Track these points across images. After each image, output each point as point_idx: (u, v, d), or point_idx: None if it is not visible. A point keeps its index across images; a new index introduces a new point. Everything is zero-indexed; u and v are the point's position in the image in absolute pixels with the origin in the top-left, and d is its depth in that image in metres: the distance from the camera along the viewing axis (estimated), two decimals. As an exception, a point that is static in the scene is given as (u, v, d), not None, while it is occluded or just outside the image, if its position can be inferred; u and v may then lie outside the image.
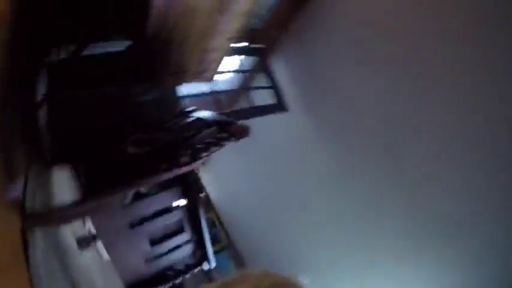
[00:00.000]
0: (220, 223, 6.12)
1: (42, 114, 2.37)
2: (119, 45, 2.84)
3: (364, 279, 4.06)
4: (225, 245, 6.12)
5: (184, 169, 1.55)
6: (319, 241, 4.58)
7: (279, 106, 4.12)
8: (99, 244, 2.54)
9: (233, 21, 2.29)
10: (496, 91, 2.76)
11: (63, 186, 2.81)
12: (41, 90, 2.45)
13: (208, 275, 5.28)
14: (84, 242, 2.27)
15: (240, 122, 1.75)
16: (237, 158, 5.16)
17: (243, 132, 1.74)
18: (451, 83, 3.10)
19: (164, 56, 2.22)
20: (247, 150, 4.84)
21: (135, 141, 1.74)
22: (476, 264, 3.09)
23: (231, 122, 1.82)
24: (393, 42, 3.52)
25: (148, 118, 2.59)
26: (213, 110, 2.73)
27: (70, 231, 2.28)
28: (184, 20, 2.05)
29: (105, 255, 2.78)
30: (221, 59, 2.55)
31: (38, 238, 1.50)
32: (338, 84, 4.02)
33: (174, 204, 1.83)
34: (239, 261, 6.09)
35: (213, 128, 1.79)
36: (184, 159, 1.54)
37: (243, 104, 4.51)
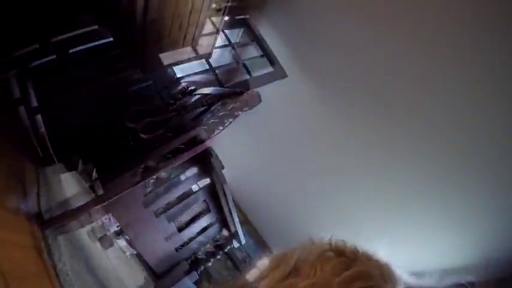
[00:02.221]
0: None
1: (39, 117, 2.30)
2: (103, 37, 2.75)
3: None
4: (241, 221, 6.11)
5: (203, 146, 1.47)
6: (330, 205, 4.55)
7: (277, 73, 4.02)
8: (121, 241, 2.49)
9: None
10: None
11: (76, 191, 2.76)
12: (31, 91, 2.38)
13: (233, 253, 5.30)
14: (107, 241, 2.22)
15: (251, 90, 1.67)
16: (241, 131, 5.09)
17: (254, 99, 1.67)
18: (449, 32, 3.02)
19: (155, 36, 2.12)
20: (250, 123, 4.78)
21: (145, 127, 1.66)
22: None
23: (240, 91, 1.74)
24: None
25: (150, 103, 2.52)
26: (210, 84, 2.65)
27: (91, 233, 2.23)
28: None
29: (129, 251, 2.74)
30: (215, 32, 2.44)
31: (62, 244, 1.44)
32: (329, 38, 3.93)
33: (197, 185, 1.76)
34: (257, 237, 6.10)
35: (224, 100, 1.72)
36: (201, 136, 1.46)
37: (240, 78, 4.42)
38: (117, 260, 2.53)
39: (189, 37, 2.33)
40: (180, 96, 2.30)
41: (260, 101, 1.63)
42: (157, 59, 2.31)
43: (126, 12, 2.00)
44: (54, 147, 2.22)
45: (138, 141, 1.73)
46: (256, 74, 3.92)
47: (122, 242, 2.62)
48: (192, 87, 2.29)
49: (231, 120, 1.57)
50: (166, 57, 2.37)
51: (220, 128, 1.53)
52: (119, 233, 2.38)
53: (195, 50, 2.49)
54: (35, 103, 2.31)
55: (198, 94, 2.12)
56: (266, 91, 3.84)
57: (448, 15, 2.96)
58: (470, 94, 2.98)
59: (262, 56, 4.11)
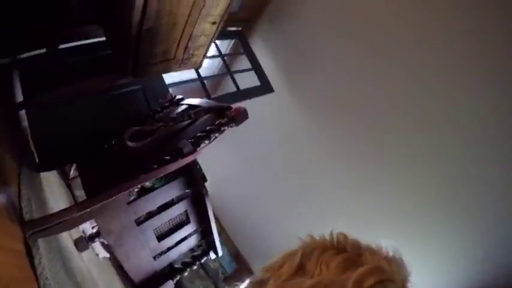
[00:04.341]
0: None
1: (24, 118, 2.30)
2: (98, 36, 2.76)
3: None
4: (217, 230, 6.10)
5: (188, 159, 1.50)
6: (308, 219, 4.60)
7: (264, 88, 4.09)
8: (96, 244, 2.49)
9: (217, 3, 2.23)
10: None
11: (55, 190, 2.74)
12: (19, 91, 2.37)
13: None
14: (83, 243, 2.22)
15: (238, 106, 1.71)
16: (222, 141, 5.11)
17: (242, 116, 1.70)
18: (433, 56, 3.12)
19: (149, 44, 2.15)
20: (234, 135, 4.81)
21: (133, 135, 1.68)
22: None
23: (227, 106, 1.78)
24: (373, 16, 3.52)
25: (137, 110, 2.54)
26: (199, 97, 2.68)
27: (68, 235, 2.22)
28: (169, 5, 1.98)
29: (102, 254, 2.74)
30: (207, 44, 2.49)
31: (41, 247, 1.44)
32: (318, 59, 4.02)
33: (179, 195, 1.79)
34: (231, 246, 6.10)
35: (211, 115, 1.75)
36: (187, 149, 1.49)
37: (227, 89, 4.46)
38: (90, 262, 2.52)
39: (181, 47, 2.37)
40: (167, 104, 2.32)
41: (247, 117, 1.67)
42: (148, 65, 2.34)
43: (123, 18, 2.03)
44: (38, 151, 2.23)
45: (124, 148, 1.74)
46: (243, 86, 3.98)
47: (96, 245, 2.62)
48: (180, 97, 2.32)
49: (217, 135, 1.60)
50: (157, 65, 2.40)
51: (207, 142, 1.56)
52: (94, 236, 2.38)
53: (186, 59, 2.53)
54: (20, 98, 2.31)
55: (185, 104, 2.15)
56: (250, 103, 3.90)
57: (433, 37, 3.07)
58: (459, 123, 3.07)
59: (250, 69, 4.17)
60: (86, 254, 2.40)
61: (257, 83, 4.20)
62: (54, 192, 2.68)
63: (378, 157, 3.66)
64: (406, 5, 3.24)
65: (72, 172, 3.48)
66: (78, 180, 3.21)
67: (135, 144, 1.66)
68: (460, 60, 2.95)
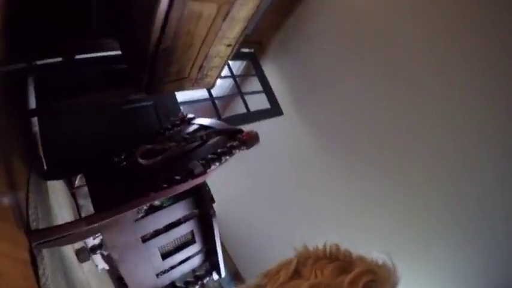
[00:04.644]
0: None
1: (36, 124, 2.32)
2: (114, 49, 2.81)
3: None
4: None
5: (198, 180, 1.51)
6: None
7: (274, 110, 4.12)
8: (96, 256, 2.49)
9: (234, 26, 2.27)
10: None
11: (60, 197, 2.75)
12: (32, 97, 2.39)
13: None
14: (83, 254, 2.22)
15: (250, 130, 1.73)
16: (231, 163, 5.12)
17: (253, 140, 1.72)
18: (442, 88, 3.17)
19: (165, 62, 2.18)
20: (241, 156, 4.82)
21: (145, 153, 1.70)
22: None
23: (239, 129, 1.80)
24: (383, 46, 3.57)
25: (148, 126, 2.56)
26: (210, 117, 2.70)
27: (71, 246, 2.23)
28: (187, 26, 2.01)
29: (100, 265, 2.74)
30: (222, 65, 2.52)
31: (46, 256, 1.45)
32: (329, 86, 4.06)
33: (186, 215, 1.80)
34: (232, 267, 6.06)
35: (222, 137, 1.77)
36: (197, 170, 1.51)
37: (237, 109, 4.50)
38: (89, 273, 2.52)
39: (196, 67, 2.40)
40: (178, 122, 2.35)
41: (258, 142, 1.69)
42: (162, 83, 2.37)
43: (141, 35, 2.07)
44: (47, 159, 2.24)
45: (134, 164, 1.76)
46: (252, 106, 4.02)
47: (96, 256, 2.62)
48: (191, 116, 2.35)
49: (228, 157, 1.62)
50: (171, 83, 2.43)
51: (217, 164, 1.57)
52: (96, 248, 2.38)
53: (199, 79, 2.56)
54: (33, 105, 2.33)
55: (196, 124, 2.17)
56: (259, 123, 3.93)
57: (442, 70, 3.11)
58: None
59: (261, 91, 4.21)
60: (85, 265, 2.40)
61: (267, 105, 4.24)
62: (59, 199, 2.69)
63: (379, 178, 3.67)
64: (418, 30, 3.29)
65: (78, 181, 3.50)
66: (83, 190, 3.24)
67: (146, 162, 1.67)
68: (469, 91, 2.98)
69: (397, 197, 3.60)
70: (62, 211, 2.60)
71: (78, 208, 3.45)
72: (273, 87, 4.40)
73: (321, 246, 0.76)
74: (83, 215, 3.23)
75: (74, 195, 3.58)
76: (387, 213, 3.70)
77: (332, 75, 3.99)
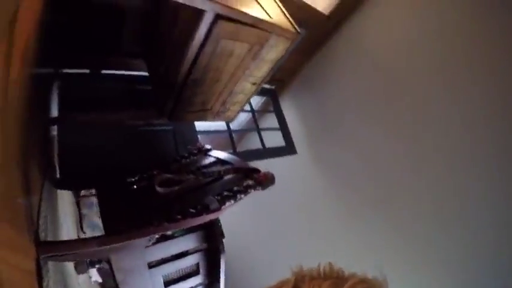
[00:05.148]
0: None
1: (55, 133, 2.36)
2: (139, 69, 2.88)
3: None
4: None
5: (212, 216, 1.54)
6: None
7: (289, 149, 4.16)
8: (93, 269, 2.49)
9: (262, 66, 2.34)
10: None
11: (66, 205, 2.77)
12: (55, 104, 2.43)
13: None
14: (82, 267, 2.23)
15: (267, 171, 1.77)
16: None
17: (269, 181, 1.75)
18: (456, 137, 3.20)
19: (191, 92, 2.25)
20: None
21: (163, 181, 1.74)
22: None
23: (255, 169, 1.83)
24: (402, 92, 3.63)
25: (165, 151, 2.60)
26: (224, 148, 2.75)
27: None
28: (217, 62, 2.09)
29: (94, 277, 2.73)
30: (244, 101, 2.59)
31: (50, 269, 1.47)
32: (344, 129, 4.10)
33: (195, 247, 1.82)
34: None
35: (239, 175, 1.80)
36: (213, 206, 1.54)
37: (251, 142, 4.55)
38: (84, 284, 2.51)
39: (220, 100, 2.47)
40: (195, 151, 2.39)
41: (273, 184, 1.72)
42: (186, 111, 2.43)
43: (172, 63, 2.14)
44: (61, 170, 2.26)
45: (149, 190, 1.80)
46: (267, 141, 4.07)
47: (92, 270, 2.62)
48: (208, 147, 2.39)
49: (243, 196, 1.65)
50: (194, 113, 2.49)
51: (232, 202, 1.61)
52: (95, 262, 2.39)
53: (221, 112, 2.62)
54: (55, 112, 2.37)
55: (213, 157, 2.21)
56: (272, 161, 3.97)
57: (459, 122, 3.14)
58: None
59: (278, 129, 4.26)
60: (83, 277, 2.39)
61: (281, 141, 4.29)
62: (65, 207, 2.71)
63: (384, 222, 3.66)
64: (435, 77, 3.35)
65: (83, 191, 3.52)
66: (87, 199, 3.25)
67: (163, 190, 1.71)
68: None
69: (397, 242, 3.59)
70: (67, 218, 2.62)
71: (80, 218, 3.46)
72: (289, 124, 4.46)
73: (315, 266, 0.79)
74: (84, 225, 3.24)
75: (78, 204, 3.60)
76: (386, 259, 3.67)
77: (346, 117, 4.05)
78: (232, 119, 2.77)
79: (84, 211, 3.55)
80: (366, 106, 3.88)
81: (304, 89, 4.58)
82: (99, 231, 2.80)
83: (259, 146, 4.03)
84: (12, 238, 1.23)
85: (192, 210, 1.54)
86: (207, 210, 1.53)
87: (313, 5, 3.70)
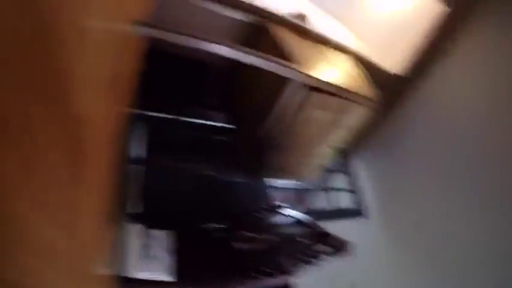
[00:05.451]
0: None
1: (138, 172, 2.49)
2: (216, 121, 3.01)
3: None
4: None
5: (286, 279, 1.57)
6: None
7: (358, 212, 4.10)
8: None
9: (341, 132, 2.40)
10: None
11: (134, 251, 2.87)
12: (141, 145, 2.59)
13: None
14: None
15: (345, 240, 1.78)
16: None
17: (343, 250, 1.76)
18: None
19: (272, 153, 2.34)
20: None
21: (241, 237, 1.79)
22: None
23: (328, 233, 1.84)
24: (480, 161, 3.46)
25: (237, 203, 2.67)
26: (291, 204, 2.77)
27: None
28: (300, 127, 2.17)
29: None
30: (320, 164, 2.64)
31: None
32: (416, 198, 3.97)
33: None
34: None
35: (314, 239, 1.82)
36: (288, 268, 1.58)
37: (320, 203, 4.51)
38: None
39: (297, 162, 2.54)
40: (266, 207, 2.44)
41: (347, 253, 1.73)
42: (264, 168, 2.52)
43: (257, 124, 2.26)
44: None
45: (224, 242, 1.85)
46: (336, 204, 4.02)
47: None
48: (283, 205, 2.43)
49: (315, 261, 1.68)
50: (271, 170, 2.57)
51: (306, 267, 1.63)
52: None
53: (296, 172, 2.69)
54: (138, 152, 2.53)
55: (287, 215, 2.25)
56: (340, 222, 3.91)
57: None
58: None
59: (350, 190, 4.22)
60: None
61: (347, 202, 4.22)
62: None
63: None
64: None
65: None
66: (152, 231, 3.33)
67: (239, 246, 1.76)
68: None
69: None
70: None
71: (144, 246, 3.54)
72: (361, 187, 4.40)
73: None
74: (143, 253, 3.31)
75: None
76: None
77: (419, 182, 3.92)
78: (305, 180, 2.82)
79: (145, 240, 3.66)
80: (445, 175, 3.73)
81: (377, 148, 4.53)
82: (158, 263, 2.84)
83: (323, 204, 3.99)
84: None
85: (267, 269, 1.58)
86: (282, 272, 1.57)
87: (382, 65, 3.70)
